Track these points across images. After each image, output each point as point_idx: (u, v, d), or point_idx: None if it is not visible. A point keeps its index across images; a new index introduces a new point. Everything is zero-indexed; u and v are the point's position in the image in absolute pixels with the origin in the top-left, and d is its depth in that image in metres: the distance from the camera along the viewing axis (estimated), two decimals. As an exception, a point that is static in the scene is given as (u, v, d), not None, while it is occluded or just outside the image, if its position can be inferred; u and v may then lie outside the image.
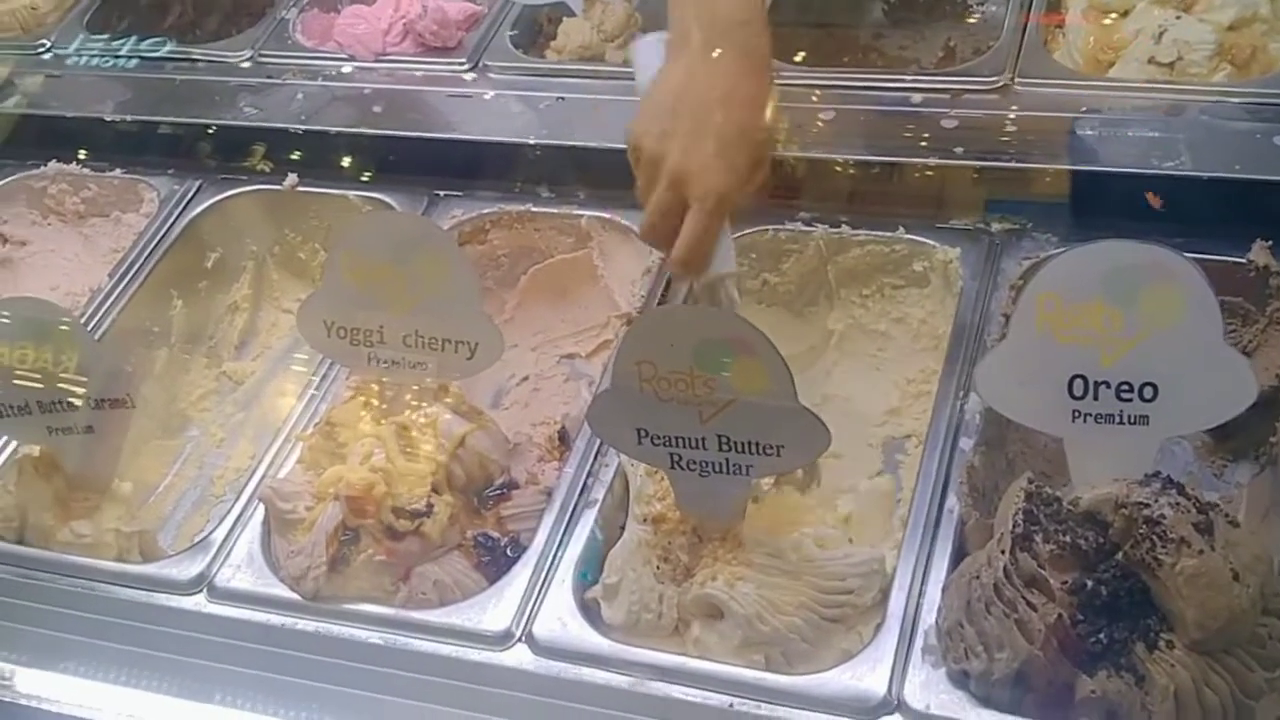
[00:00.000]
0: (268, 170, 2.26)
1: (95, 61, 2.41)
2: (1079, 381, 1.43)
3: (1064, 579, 1.34)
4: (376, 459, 1.67)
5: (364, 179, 2.22)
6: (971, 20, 2.51)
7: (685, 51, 1.64)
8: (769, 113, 1.67)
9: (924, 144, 1.92)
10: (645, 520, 1.61)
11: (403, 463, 1.67)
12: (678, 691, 1.49)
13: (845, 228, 1.97)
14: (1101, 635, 1.32)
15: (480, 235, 2.17)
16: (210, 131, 2.28)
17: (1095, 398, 1.43)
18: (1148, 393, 1.41)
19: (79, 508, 1.82)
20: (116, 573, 1.75)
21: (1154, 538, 1.32)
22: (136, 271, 2.17)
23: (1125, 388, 1.42)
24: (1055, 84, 1.94)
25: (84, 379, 1.77)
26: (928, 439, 1.67)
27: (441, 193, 2.18)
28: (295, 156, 2.24)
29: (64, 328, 1.77)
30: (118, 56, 2.42)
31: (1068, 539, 1.36)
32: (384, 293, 1.69)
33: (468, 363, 1.70)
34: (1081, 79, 1.94)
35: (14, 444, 1.90)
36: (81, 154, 2.37)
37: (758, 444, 1.47)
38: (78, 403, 1.78)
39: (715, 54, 1.62)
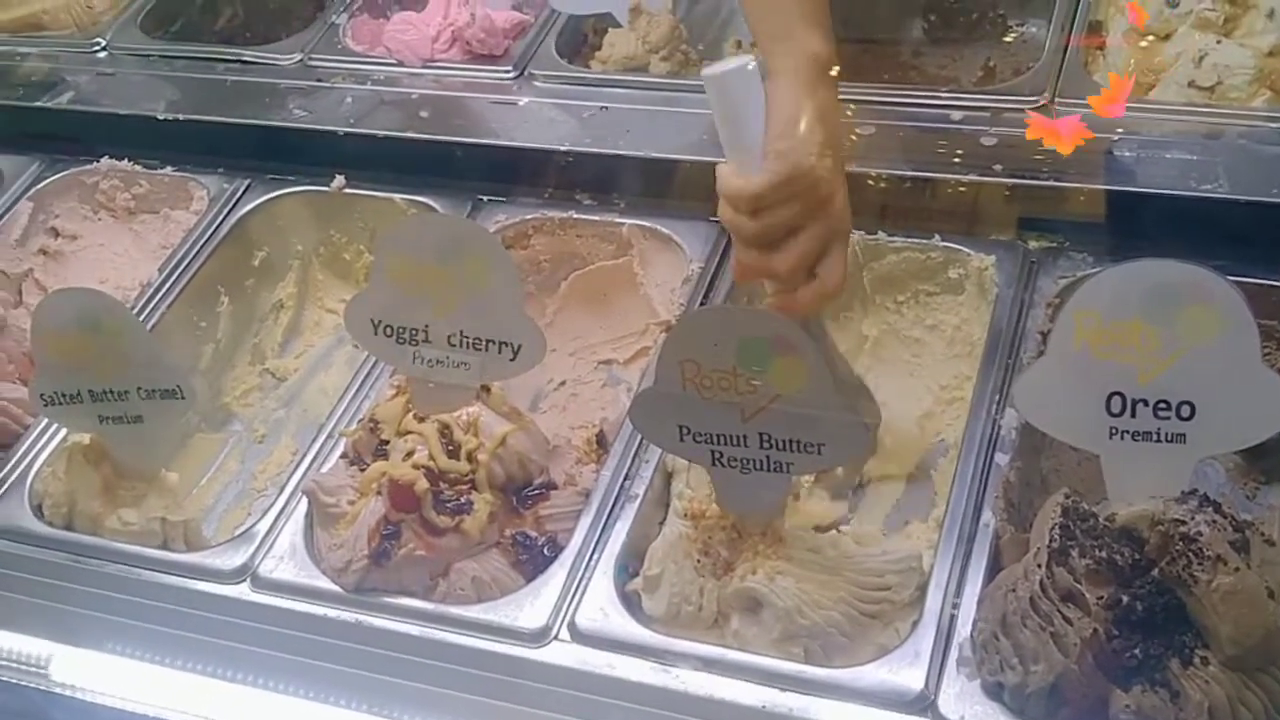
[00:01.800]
0: (314, 172, 2.29)
1: (148, 62, 2.45)
2: (1116, 399, 1.44)
3: (1100, 594, 1.36)
4: (419, 456, 1.70)
5: (409, 183, 2.25)
6: (1011, 40, 2.54)
7: (820, 86, 1.62)
8: None
9: (961, 160, 1.94)
10: (686, 515, 1.64)
11: (445, 460, 1.70)
12: (718, 684, 1.51)
13: (881, 234, 2.00)
14: (1136, 650, 1.33)
15: (523, 240, 2.20)
16: (260, 132, 2.31)
17: (1133, 415, 1.44)
18: (1185, 411, 1.42)
19: (126, 496, 1.85)
20: (162, 560, 1.79)
21: (1190, 554, 1.33)
22: (185, 268, 2.21)
23: (1163, 406, 1.43)
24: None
25: (136, 369, 1.80)
26: (962, 450, 1.69)
27: (485, 198, 2.21)
28: (342, 159, 2.28)
29: (117, 318, 1.80)
30: (169, 57, 2.46)
31: (1104, 554, 1.38)
32: (429, 293, 1.72)
33: (510, 364, 1.72)
34: (1122, 100, 1.96)
35: (65, 431, 1.94)
36: (132, 153, 2.41)
37: (799, 442, 1.50)
38: (129, 392, 1.81)
39: (834, 91, 1.65)
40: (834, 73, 1.66)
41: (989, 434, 1.69)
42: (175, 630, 1.72)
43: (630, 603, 1.62)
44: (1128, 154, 1.88)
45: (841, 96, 2.04)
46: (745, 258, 1.62)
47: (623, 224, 2.15)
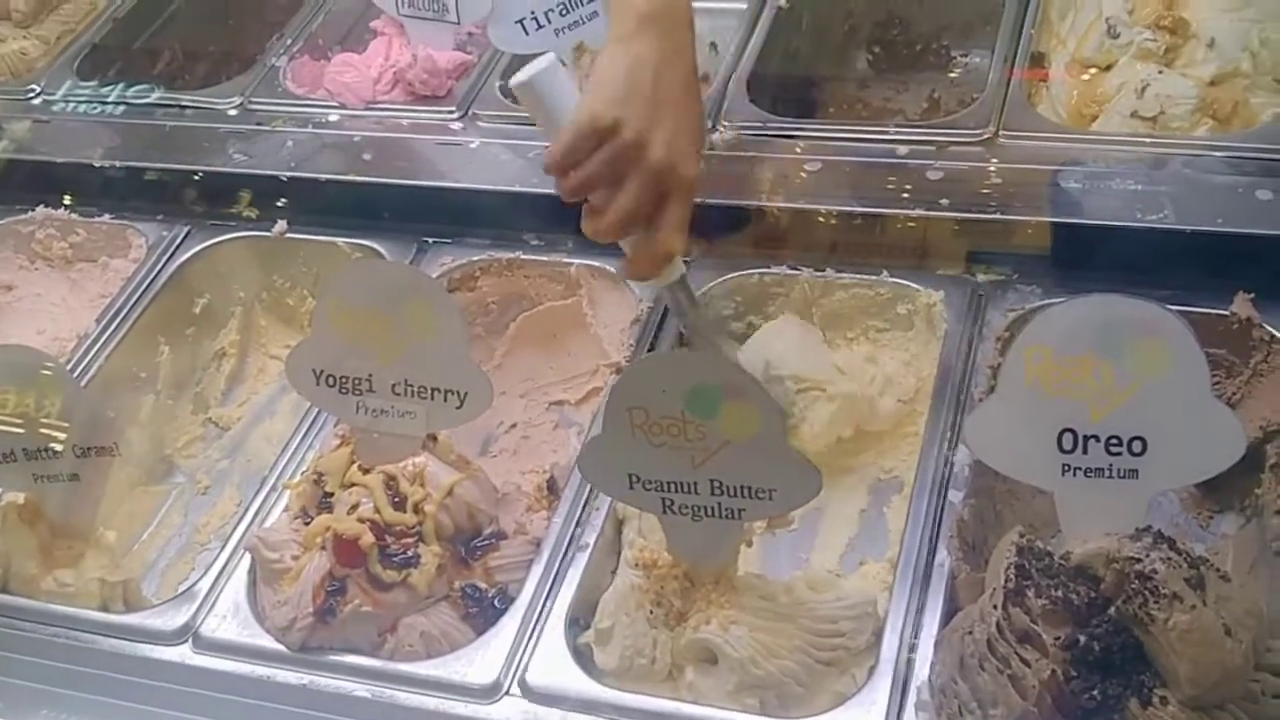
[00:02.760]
0: (255, 217, 2.26)
1: (84, 108, 2.41)
2: (1068, 435, 1.43)
3: (1056, 634, 1.34)
4: (364, 509, 1.67)
5: (353, 226, 2.22)
6: (955, 73, 2.55)
7: (640, 39, 1.64)
8: None
9: (909, 195, 1.93)
10: (637, 565, 1.61)
11: (390, 513, 1.66)
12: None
13: (830, 271, 1.98)
14: (1095, 691, 1.31)
15: (470, 282, 2.17)
16: (199, 178, 2.28)
17: (1085, 451, 1.43)
18: (1137, 447, 1.42)
19: (63, 556, 1.80)
20: (100, 623, 1.74)
21: (1146, 593, 1.32)
22: (124, 318, 2.16)
23: (1115, 442, 1.42)
24: (1039, 137, 1.96)
25: (69, 426, 1.76)
26: (915, 489, 1.68)
27: (430, 240, 2.19)
28: (284, 203, 2.25)
29: (49, 374, 1.76)
30: (106, 103, 2.42)
31: (1060, 594, 1.36)
32: (373, 341, 1.69)
33: (457, 412, 1.69)
34: (1065, 132, 1.97)
35: (-2, 491, 1.88)
36: (69, 199, 2.36)
37: (750, 488, 1.48)
38: (63, 450, 1.77)
39: (669, 42, 1.65)
40: (667, 26, 1.65)
41: (942, 472, 1.68)
42: (115, 699, 1.66)
43: (582, 656, 1.59)
44: (1074, 185, 1.88)
45: (788, 133, 2.08)
46: (584, 225, 1.65)
47: (571, 264, 2.13)
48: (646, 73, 1.61)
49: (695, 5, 2.64)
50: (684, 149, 1.62)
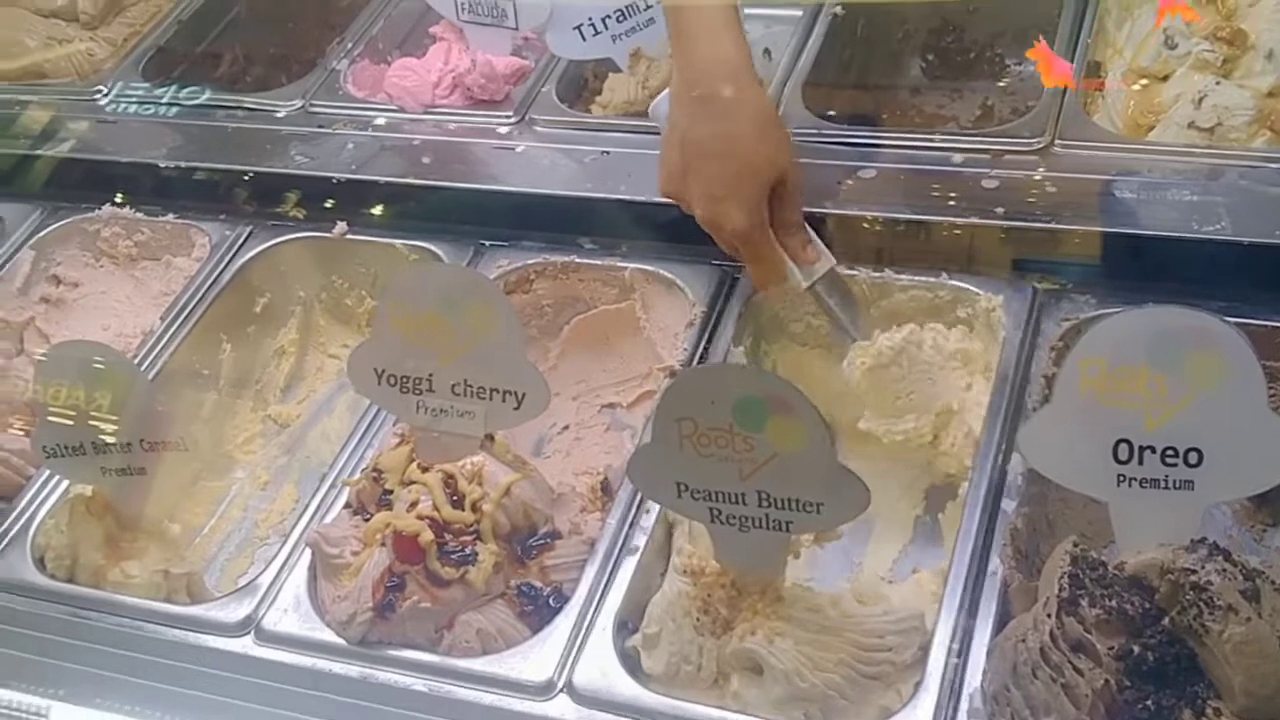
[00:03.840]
0: (314, 218, 2.29)
1: (150, 109, 2.46)
2: (1123, 446, 1.44)
3: (1110, 644, 1.35)
4: (423, 506, 1.70)
5: (411, 228, 2.25)
6: (1008, 80, 2.55)
7: (679, 101, 1.79)
8: (765, 132, 1.78)
9: (964, 204, 1.94)
10: (685, 571, 1.62)
11: (449, 510, 1.69)
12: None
13: (889, 272, 1.99)
14: (1149, 702, 1.32)
15: (525, 285, 2.20)
16: (260, 179, 2.31)
17: (1140, 462, 1.44)
18: (1192, 458, 1.42)
19: (128, 548, 1.85)
20: (165, 613, 1.77)
21: (1201, 604, 1.32)
22: (187, 315, 2.21)
23: (1170, 453, 1.43)
24: (1095, 146, 1.96)
25: (135, 421, 1.80)
26: (969, 495, 1.68)
27: (487, 242, 2.22)
28: (344, 204, 2.28)
29: (116, 370, 1.80)
30: (172, 104, 2.47)
31: (1114, 604, 1.37)
32: (432, 342, 1.72)
33: (515, 412, 1.72)
34: (1121, 142, 1.97)
35: (67, 483, 1.93)
36: (134, 199, 2.41)
37: (797, 501, 1.48)
38: (131, 444, 1.81)
39: (700, 97, 1.76)
40: (729, 73, 1.76)
41: (995, 480, 1.69)
42: (178, 687, 1.71)
43: (630, 660, 1.60)
44: (1129, 195, 1.88)
45: (843, 139, 2.09)
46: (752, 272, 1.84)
47: (625, 268, 2.15)
48: (676, 136, 1.78)
49: (750, 12, 2.70)
50: (717, 206, 1.76)
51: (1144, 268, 1.87)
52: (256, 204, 2.33)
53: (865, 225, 1.98)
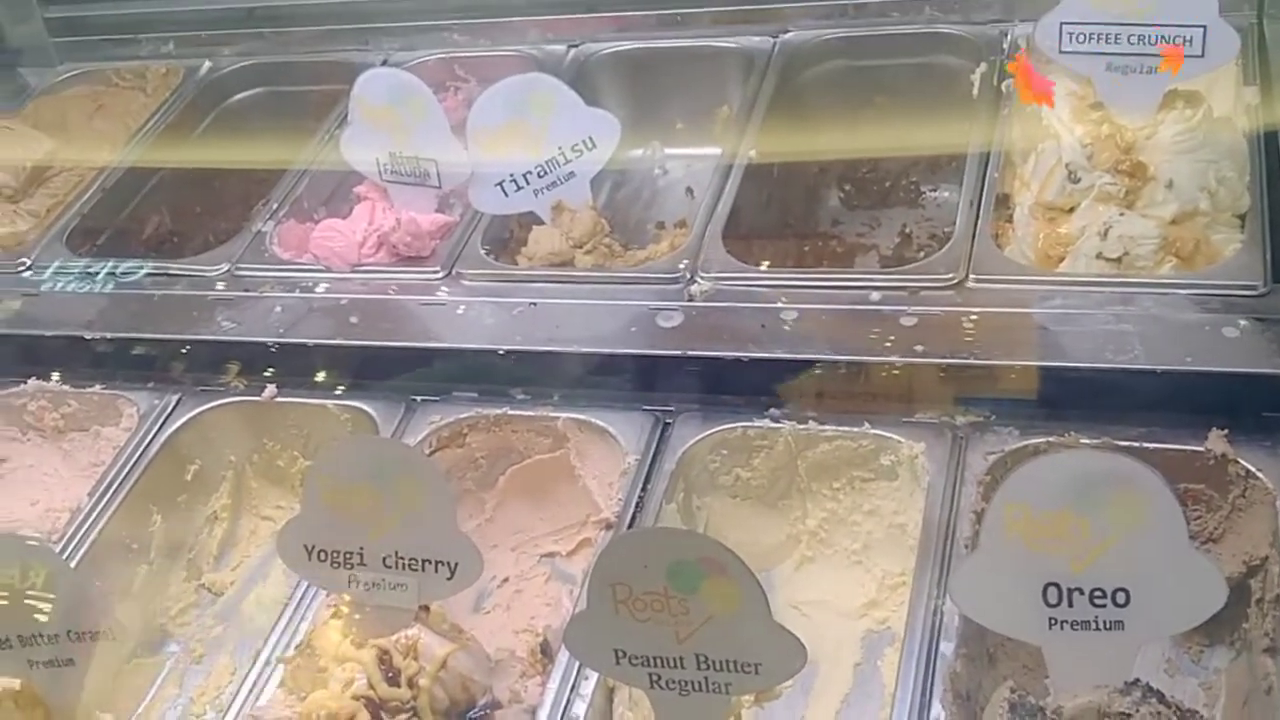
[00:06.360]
0: (243, 386, 2.29)
1: (74, 281, 2.44)
2: (1052, 589, 1.45)
3: (1050, 798, 1.35)
4: (359, 685, 1.67)
5: (342, 388, 2.25)
6: (925, 206, 2.62)
7: None
8: None
9: (885, 342, 1.97)
10: (628, 738, 1.61)
11: (384, 688, 1.67)
12: None
13: (812, 423, 2.02)
14: None
15: (458, 439, 2.20)
16: (188, 347, 2.30)
17: (1070, 604, 1.45)
18: (1120, 598, 1.43)
19: (60, 741, 1.80)
20: (97, 811, 1.73)
21: (1137, 752, 1.33)
22: (116, 488, 2.17)
23: (1098, 594, 1.44)
24: (1009, 280, 2.00)
25: (65, 611, 1.76)
26: (905, 642, 1.68)
27: (419, 398, 2.22)
28: (273, 368, 2.28)
29: (42, 561, 1.77)
30: (95, 275, 2.45)
31: (1052, 756, 1.37)
32: (362, 515, 1.70)
33: (448, 583, 1.70)
34: (1034, 275, 2.01)
35: (-8, 677, 1.88)
36: (61, 372, 2.39)
37: (735, 662, 1.47)
38: (59, 635, 1.77)
39: None
40: None
41: (932, 623, 1.69)
42: None
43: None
44: (1045, 328, 1.92)
45: (763, 283, 2.13)
46: None
47: (558, 417, 2.15)
48: None
49: (672, 152, 2.77)
50: None
51: (1064, 398, 1.90)
52: (184, 372, 2.32)
53: (790, 369, 2.00)
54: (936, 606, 1.71)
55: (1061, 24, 2.06)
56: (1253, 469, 1.79)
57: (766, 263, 2.13)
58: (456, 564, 1.69)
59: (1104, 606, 1.44)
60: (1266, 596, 1.72)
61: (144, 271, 2.43)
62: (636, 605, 1.48)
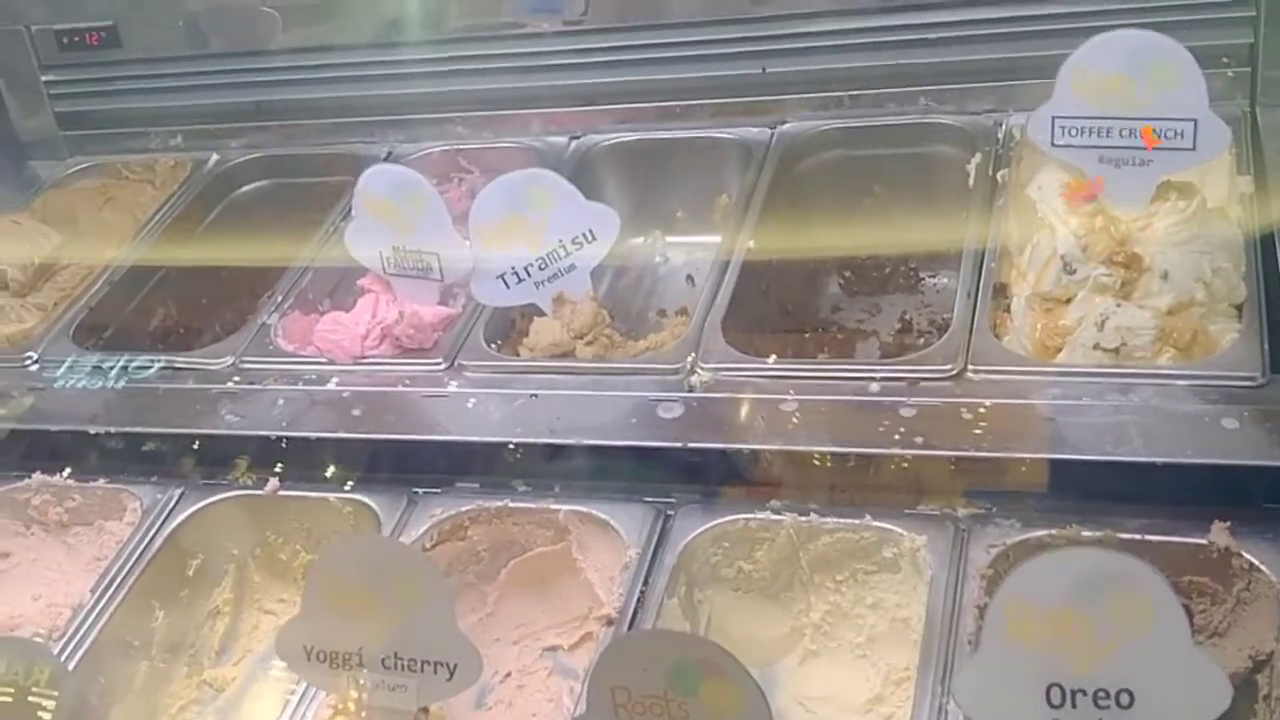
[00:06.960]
0: (250, 482, 2.30)
1: (79, 376, 2.45)
2: (1055, 690, 1.45)
3: None
4: (359, 790, 1.66)
5: (344, 481, 2.26)
6: (924, 292, 2.64)
7: None
8: None
9: (886, 434, 1.96)
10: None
11: (385, 794, 1.65)
12: None
13: (814, 515, 2.01)
14: None
15: (460, 532, 2.20)
16: (192, 441, 2.32)
17: (1074, 705, 1.44)
18: (1124, 699, 1.43)
19: None
20: None
21: None
22: (118, 585, 2.17)
23: (1102, 694, 1.43)
24: (1007, 371, 2.00)
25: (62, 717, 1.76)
26: (912, 742, 1.67)
27: (421, 490, 2.22)
28: (277, 462, 2.29)
29: (44, 666, 1.77)
30: (102, 368, 2.46)
31: None
32: (361, 616, 1.71)
33: (447, 684, 1.70)
34: (1032, 365, 2.00)
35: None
36: (65, 467, 2.40)
37: (740, 764, 1.47)
38: (57, 739, 1.76)
39: None
40: None
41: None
42: None
43: None
44: (1044, 419, 1.92)
45: (762, 373, 2.13)
46: None
47: (559, 510, 2.16)
48: None
49: (673, 240, 2.79)
50: None
51: (1064, 490, 1.90)
52: (187, 466, 2.33)
53: (791, 460, 2.01)
54: (941, 706, 1.69)
55: (1054, 117, 2.08)
56: (1256, 562, 1.79)
57: (773, 356, 2.13)
58: (456, 665, 1.70)
59: (1108, 707, 1.43)
60: (1274, 693, 1.71)
61: (157, 367, 2.42)
62: (636, 708, 1.47)
